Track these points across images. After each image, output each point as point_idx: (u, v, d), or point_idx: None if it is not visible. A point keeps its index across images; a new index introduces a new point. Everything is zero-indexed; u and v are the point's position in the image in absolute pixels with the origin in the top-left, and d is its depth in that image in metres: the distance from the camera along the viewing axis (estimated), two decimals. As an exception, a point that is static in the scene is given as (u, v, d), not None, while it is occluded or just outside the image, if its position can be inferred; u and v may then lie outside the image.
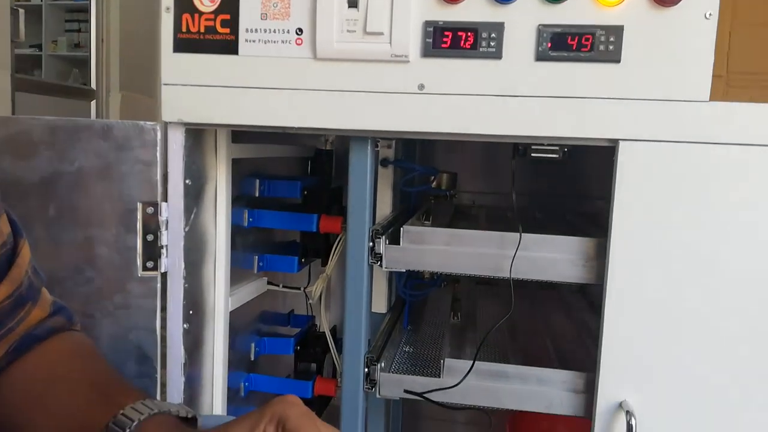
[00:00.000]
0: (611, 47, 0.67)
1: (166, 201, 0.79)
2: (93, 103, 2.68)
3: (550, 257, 0.78)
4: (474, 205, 1.42)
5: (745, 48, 0.76)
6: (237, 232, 0.96)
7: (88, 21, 2.75)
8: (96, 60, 2.70)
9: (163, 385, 0.81)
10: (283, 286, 1.13)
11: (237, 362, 1.01)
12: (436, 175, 1.12)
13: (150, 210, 0.78)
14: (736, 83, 0.80)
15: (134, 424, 0.46)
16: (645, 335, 0.74)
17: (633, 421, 0.72)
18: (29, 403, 0.50)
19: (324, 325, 1.08)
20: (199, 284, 0.86)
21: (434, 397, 0.81)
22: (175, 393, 0.81)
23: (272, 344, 1.12)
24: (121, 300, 0.79)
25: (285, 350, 1.12)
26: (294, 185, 1.05)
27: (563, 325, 1.12)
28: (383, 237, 0.82)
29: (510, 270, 0.78)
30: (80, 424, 0.48)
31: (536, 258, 0.78)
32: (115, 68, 2.73)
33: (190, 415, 0.52)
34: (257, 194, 1.02)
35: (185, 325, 0.81)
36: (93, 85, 2.69)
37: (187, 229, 0.81)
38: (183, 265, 0.80)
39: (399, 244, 0.83)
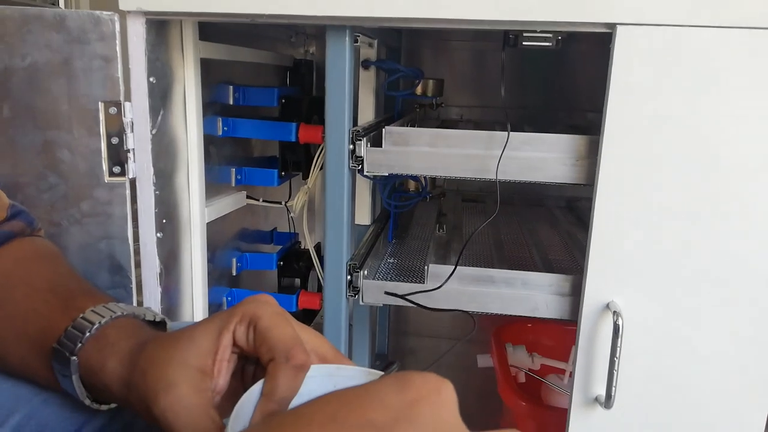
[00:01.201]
0: None
1: (129, 101, 0.73)
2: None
3: (539, 156, 0.74)
4: (461, 120, 1.38)
5: None
6: (211, 141, 0.91)
7: None
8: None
9: (140, 295, 0.78)
10: (263, 200, 1.10)
11: (218, 277, 0.99)
12: (422, 79, 1.07)
13: (113, 110, 0.73)
14: None
15: (94, 327, 0.42)
16: (634, 235, 0.72)
17: (620, 321, 0.71)
18: None
19: (307, 240, 1.05)
20: (172, 193, 0.82)
21: (418, 300, 0.79)
22: (153, 303, 0.79)
23: (254, 259, 1.09)
24: (89, 207, 0.74)
25: (268, 265, 1.10)
26: (270, 92, 0.99)
27: (550, 238, 1.11)
28: (364, 139, 0.77)
29: (496, 170, 0.74)
30: (40, 329, 0.45)
31: (525, 158, 0.75)
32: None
33: (158, 319, 0.48)
34: (231, 102, 0.97)
35: (159, 234, 0.78)
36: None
37: (154, 132, 0.75)
38: (152, 171, 0.76)
39: (381, 146, 0.78)
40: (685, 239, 0.71)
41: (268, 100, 0.99)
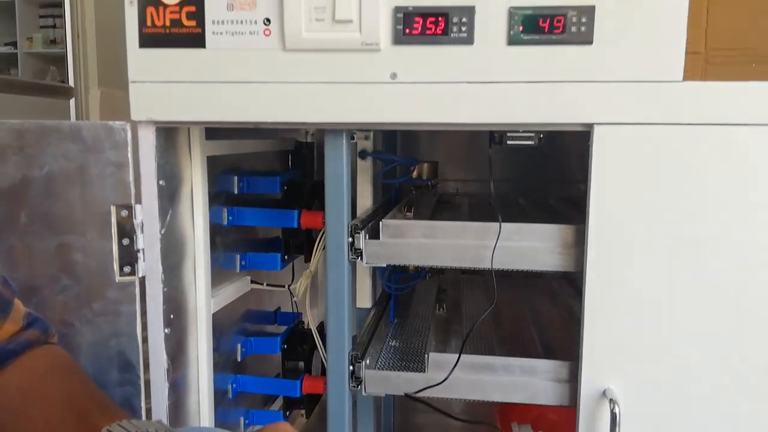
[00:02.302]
0: (583, 28, 0.67)
1: (140, 203, 0.78)
2: (72, 101, 2.64)
3: (529, 246, 0.77)
4: (458, 194, 1.42)
5: (724, 22, 0.75)
6: (217, 231, 0.95)
7: (62, 16, 2.70)
8: (73, 56, 2.65)
9: (148, 391, 0.80)
10: (267, 285, 1.12)
11: (223, 364, 1.01)
12: (416, 165, 1.11)
13: (124, 213, 0.77)
14: (715, 60, 0.79)
15: None
16: (626, 322, 0.74)
17: (617, 409, 0.72)
18: (3, 421, 0.49)
19: (310, 322, 1.07)
20: (179, 287, 0.85)
21: (421, 393, 0.81)
22: (160, 398, 0.80)
23: (258, 344, 1.11)
24: (100, 307, 0.77)
25: (272, 349, 1.11)
26: (273, 181, 1.04)
27: (548, 312, 1.12)
28: (363, 231, 0.81)
29: (491, 261, 0.77)
30: None
31: (516, 247, 0.78)
32: (93, 64, 2.68)
33: (167, 433, 0.51)
34: (236, 191, 1.01)
35: (166, 330, 0.80)
36: (71, 83, 2.65)
37: (163, 231, 0.79)
38: (161, 269, 0.79)
39: (379, 238, 0.82)
40: (674, 324, 0.73)
41: (272, 188, 1.04)
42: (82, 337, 0.76)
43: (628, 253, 0.72)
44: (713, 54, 0.74)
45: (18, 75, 3.29)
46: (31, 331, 0.56)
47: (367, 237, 0.82)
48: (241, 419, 1.07)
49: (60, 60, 2.87)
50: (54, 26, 3.39)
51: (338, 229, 0.81)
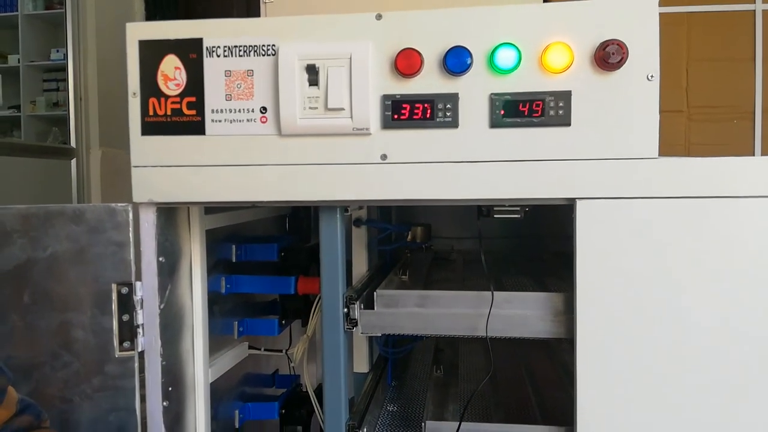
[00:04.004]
0: (561, 111, 0.71)
1: (140, 280, 0.80)
2: (73, 162, 2.70)
3: (521, 314, 0.80)
4: (453, 251, 1.44)
5: (702, 83, 0.79)
6: (215, 299, 0.97)
7: (66, 80, 2.78)
8: (75, 118, 2.73)
9: (146, 468, 0.80)
10: (265, 350, 1.13)
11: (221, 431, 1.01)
12: (410, 230, 1.14)
13: (124, 290, 0.79)
14: (697, 117, 0.83)
15: None
16: (618, 388, 0.75)
17: (613, 477, 0.73)
18: None
19: (308, 386, 1.08)
20: (178, 359, 0.86)
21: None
22: (158, 473, 0.80)
23: (256, 409, 1.11)
24: (100, 382, 0.79)
25: (270, 414, 1.12)
26: (271, 248, 1.07)
27: (545, 371, 1.13)
28: (357, 302, 0.83)
29: (486, 329, 0.79)
30: None
31: (509, 315, 0.80)
32: (95, 125, 2.75)
33: None
34: (234, 259, 1.04)
35: (165, 403, 0.81)
36: (73, 143, 2.72)
37: (162, 306, 0.81)
38: (160, 343, 0.81)
39: (374, 308, 0.84)
40: (669, 384, 0.74)
41: (269, 255, 1.06)
42: (82, 412, 0.77)
43: (615, 320, 0.74)
44: (695, 112, 0.78)
45: (21, 137, 3.36)
46: (24, 417, 0.57)
47: (362, 307, 0.84)
48: None
49: (62, 121, 2.94)
50: (57, 89, 3.48)
51: (333, 301, 0.83)
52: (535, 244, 1.41)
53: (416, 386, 1.09)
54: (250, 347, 1.11)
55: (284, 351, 1.13)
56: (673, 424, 0.74)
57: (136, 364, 0.79)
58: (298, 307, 1.14)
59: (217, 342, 0.98)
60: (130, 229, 0.79)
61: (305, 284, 1.03)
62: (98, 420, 0.78)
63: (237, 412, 1.07)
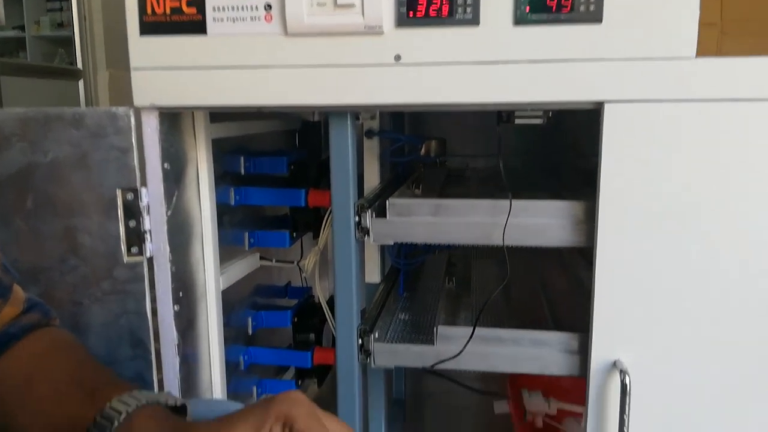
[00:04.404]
0: (592, 7, 0.65)
1: (145, 186, 0.78)
2: (81, 83, 2.64)
3: (540, 222, 0.77)
4: (467, 169, 1.41)
5: None
6: (224, 210, 0.95)
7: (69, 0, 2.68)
8: (80, 38, 2.65)
9: (159, 365, 0.81)
10: (276, 261, 1.13)
11: (234, 337, 1.02)
12: (424, 143, 1.10)
13: (130, 196, 0.77)
14: (731, 31, 0.77)
15: (122, 416, 0.46)
16: (636, 295, 0.74)
17: (627, 380, 0.73)
18: (11, 405, 0.50)
19: (320, 296, 1.08)
20: (188, 266, 0.86)
21: (426, 360, 0.82)
22: (171, 373, 0.82)
23: (269, 318, 1.12)
24: (109, 286, 0.78)
25: (282, 323, 1.13)
26: (280, 161, 1.04)
27: (559, 285, 1.12)
28: (369, 210, 0.81)
29: (503, 238, 0.77)
30: (67, 421, 0.48)
31: (527, 224, 0.77)
32: (100, 46, 2.67)
33: (179, 404, 0.52)
34: (243, 171, 1.01)
35: (176, 307, 0.81)
36: (79, 65, 2.65)
37: (169, 213, 0.80)
38: (168, 249, 0.80)
39: (386, 217, 0.81)
40: (685, 296, 0.72)
41: (279, 168, 1.03)
42: (92, 315, 0.78)
43: (639, 229, 0.71)
44: (729, 25, 0.71)
45: (27, 58, 3.29)
46: (32, 314, 0.56)
47: (374, 216, 0.82)
48: (254, 388, 1.09)
49: (68, 43, 2.86)
50: (61, 9, 3.37)
51: (344, 208, 0.80)
52: (553, 161, 1.37)
53: (428, 298, 1.08)
54: (261, 258, 1.11)
55: (295, 262, 1.13)
56: (689, 337, 0.73)
57: (145, 269, 0.78)
58: (308, 220, 1.12)
59: (227, 253, 0.97)
60: (133, 134, 0.76)
61: (316, 197, 1.00)
62: (109, 323, 0.78)
63: (250, 319, 1.08)
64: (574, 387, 1.31)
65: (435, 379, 1.61)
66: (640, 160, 0.69)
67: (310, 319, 1.17)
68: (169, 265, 0.80)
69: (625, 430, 0.75)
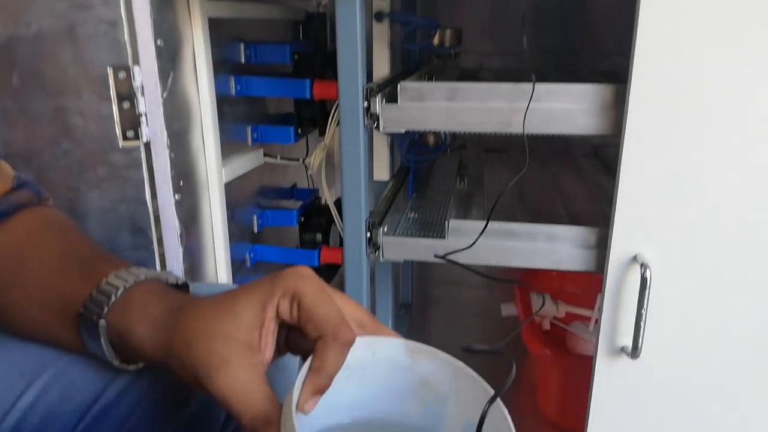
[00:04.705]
0: None
1: (138, 65, 0.72)
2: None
3: (564, 108, 0.71)
4: (481, 68, 1.33)
5: None
6: (224, 101, 0.90)
7: None
8: None
9: (162, 256, 0.79)
10: (281, 158, 1.09)
11: (240, 234, 1.00)
12: (438, 31, 1.02)
13: (122, 75, 0.71)
14: None
15: (119, 291, 0.43)
16: (663, 187, 0.69)
17: (648, 273, 0.70)
18: (3, 283, 0.47)
19: (326, 196, 1.05)
20: (188, 154, 0.81)
21: (440, 259, 0.79)
22: (175, 264, 0.79)
23: (275, 216, 1.10)
24: (105, 172, 0.74)
25: (289, 221, 1.10)
26: (283, 49, 0.97)
27: (575, 187, 1.08)
28: (379, 95, 0.75)
29: (523, 124, 0.71)
30: (61, 296, 0.45)
31: (550, 109, 0.72)
32: None
33: (180, 282, 0.49)
34: (243, 60, 0.94)
35: (176, 196, 0.78)
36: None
37: (165, 95, 0.74)
38: (166, 134, 0.75)
39: (397, 102, 0.76)
40: (715, 189, 0.68)
41: (281, 57, 0.97)
42: (90, 201, 0.74)
43: (672, 113, 0.66)
44: None
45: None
46: (22, 192, 0.52)
47: (384, 101, 0.76)
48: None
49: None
50: None
51: (352, 93, 0.75)
52: (576, 61, 1.29)
53: (438, 197, 1.05)
54: (265, 155, 1.06)
55: (301, 160, 1.09)
56: (714, 232, 0.70)
57: (143, 155, 0.74)
58: (314, 115, 1.07)
59: (230, 148, 0.93)
60: (122, 5, 0.69)
61: (321, 88, 0.94)
62: (108, 210, 0.75)
63: (255, 217, 1.05)
64: (582, 291, 1.30)
65: (442, 286, 1.61)
66: (681, 35, 0.63)
67: (317, 219, 1.14)
68: (167, 152, 0.76)
69: (642, 325, 0.73)
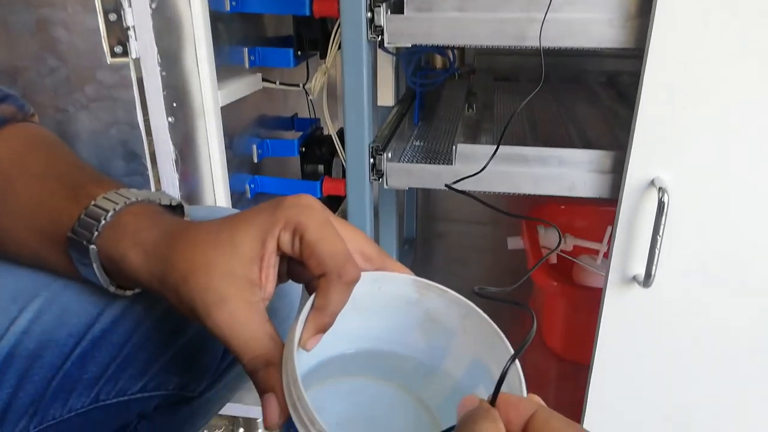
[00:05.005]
0: None
1: (123, -30, 0.66)
2: None
3: (585, 18, 0.66)
4: None
5: None
6: (219, 19, 0.84)
7: None
8: None
9: (158, 182, 0.76)
10: (280, 83, 1.04)
11: (239, 164, 0.96)
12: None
13: (106, -18, 0.66)
14: None
15: (109, 214, 0.40)
16: (685, 107, 0.65)
17: (665, 198, 0.66)
18: None
19: (328, 125, 1.00)
20: (180, 74, 0.77)
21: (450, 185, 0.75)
22: (171, 190, 0.76)
23: (275, 146, 1.06)
24: (94, 92, 0.70)
25: (289, 152, 1.06)
26: (280, -39, 0.90)
27: (589, 114, 1.03)
28: (383, 5, 0.69)
29: (539, 36, 0.66)
30: (49, 219, 0.42)
31: (569, 20, 0.66)
32: None
33: (174, 203, 0.45)
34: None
35: (170, 119, 0.74)
36: None
37: (154, 6, 0.69)
38: (156, 50, 0.70)
39: (403, 13, 0.70)
40: (740, 111, 0.64)
41: (278, -29, 0.90)
42: (79, 123, 0.71)
43: (700, 26, 0.61)
44: None
45: None
46: (5, 106, 0.48)
47: (389, 12, 0.70)
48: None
49: None
50: None
51: (355, 2, 0.69)
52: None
53: (445, 126, 1.00)
54: (264, 80, 1.01)
55: (301, 85, 1.04)
56: (733, 157, 0.66)
57: (132, 72, 0.70)
58: (315, 36, 1.01)
59: (227, 71, 0.88)
60: None
61: (321, 4, 0.88)
62: (99, 132, 0.71)
63: (255, 147, 1.01)
64: (590, 224, 1.27)
65: (446, 222, 1.58)
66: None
67: (318, 149, 1.10)
68: (158, 69, 0.71)
69: (657, 252, 0.70)
